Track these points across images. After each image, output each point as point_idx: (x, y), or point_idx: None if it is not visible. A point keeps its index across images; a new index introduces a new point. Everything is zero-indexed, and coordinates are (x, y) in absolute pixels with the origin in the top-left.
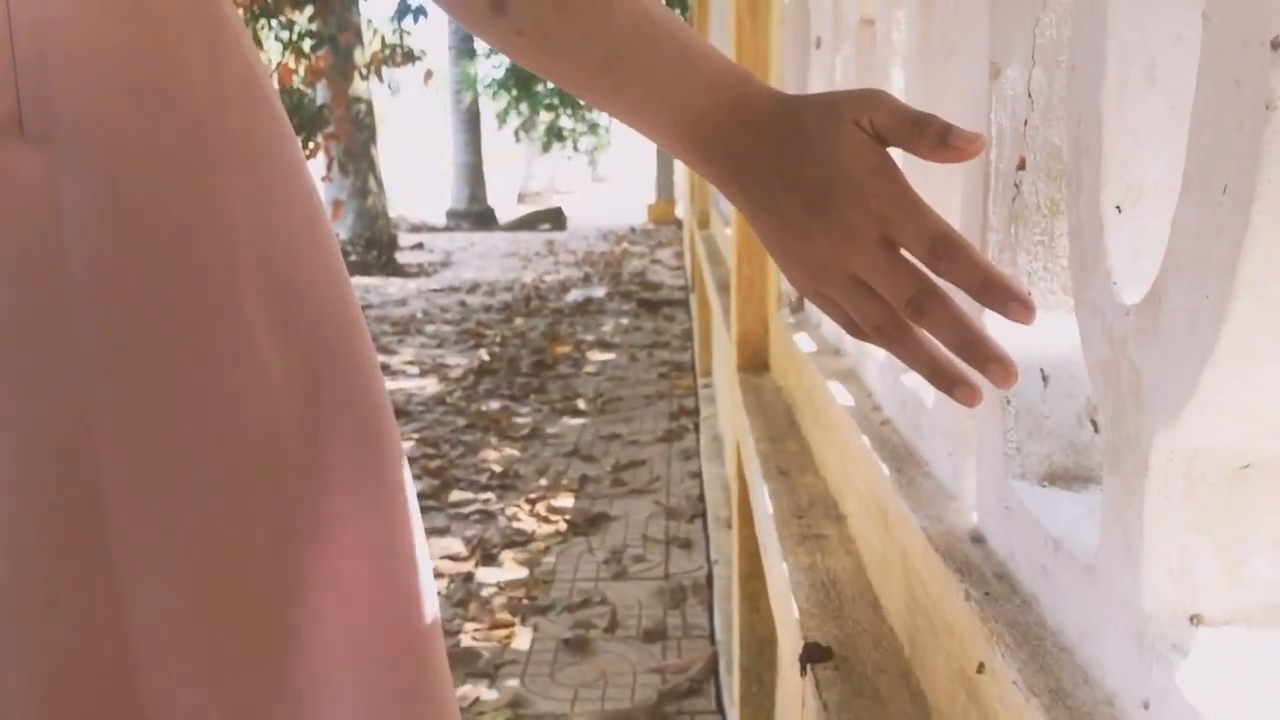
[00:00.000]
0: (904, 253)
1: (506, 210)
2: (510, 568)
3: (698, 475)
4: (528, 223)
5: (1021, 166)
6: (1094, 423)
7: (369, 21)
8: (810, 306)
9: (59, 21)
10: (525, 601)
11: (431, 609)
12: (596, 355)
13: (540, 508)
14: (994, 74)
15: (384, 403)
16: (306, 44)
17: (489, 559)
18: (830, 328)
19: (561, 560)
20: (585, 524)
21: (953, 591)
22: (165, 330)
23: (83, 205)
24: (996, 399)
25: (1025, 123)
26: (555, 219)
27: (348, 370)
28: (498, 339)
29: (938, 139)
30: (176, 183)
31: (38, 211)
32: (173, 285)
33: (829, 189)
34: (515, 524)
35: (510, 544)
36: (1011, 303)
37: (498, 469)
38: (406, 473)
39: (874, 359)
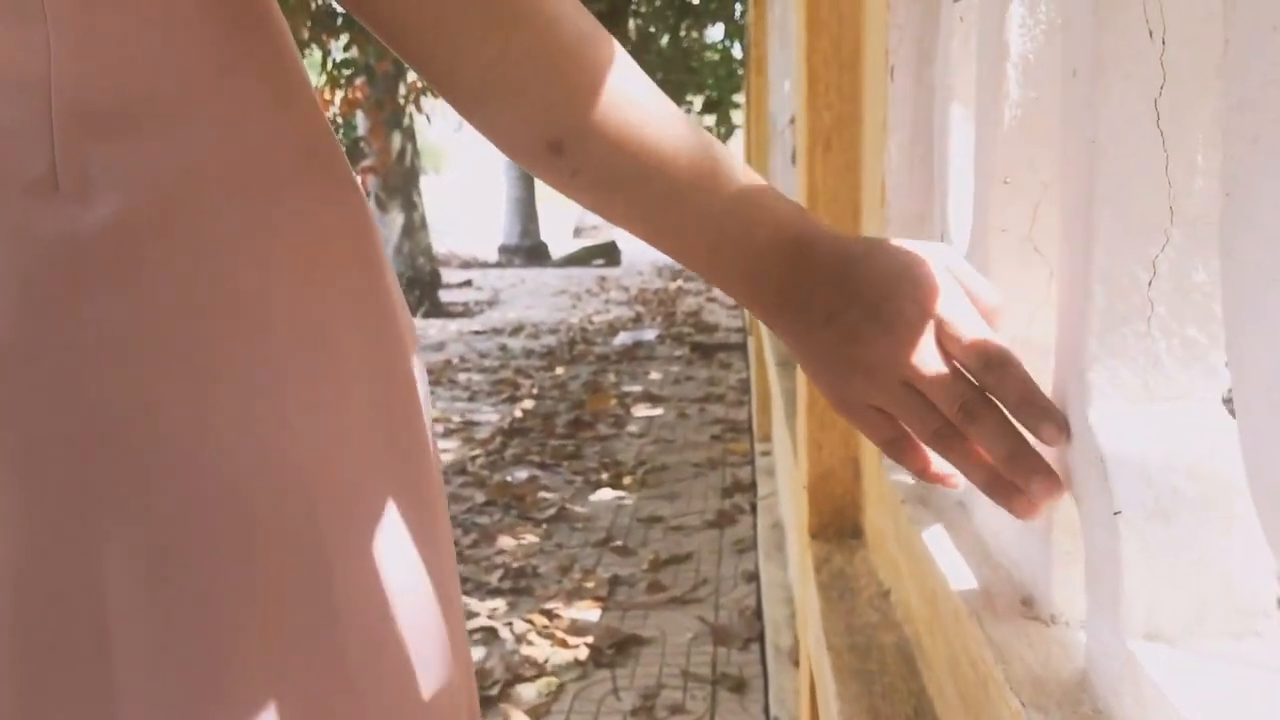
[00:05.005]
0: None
1: (562, 245)
2: (512, 718)
3: (754, 578)
4: (580, 258)
5: None
6: None
7: None
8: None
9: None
10: None
11: None
12: (642, 410)
13: (557, 626)
14: None
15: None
16: (343, 74)
17: (486, 703)
18: (987, 518)
19: (577, 706)
20: (611, 650)
21: None
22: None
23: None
24: None
25: None
26: (609, 254)
27: None
28: (534, 390)
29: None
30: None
31: (61, 271)
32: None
33: (889, 294)
34: (525, 648)
35: (516, 678)
36: (1045, 423)
37: (514, 564)
38: None
39: (1107, 628)
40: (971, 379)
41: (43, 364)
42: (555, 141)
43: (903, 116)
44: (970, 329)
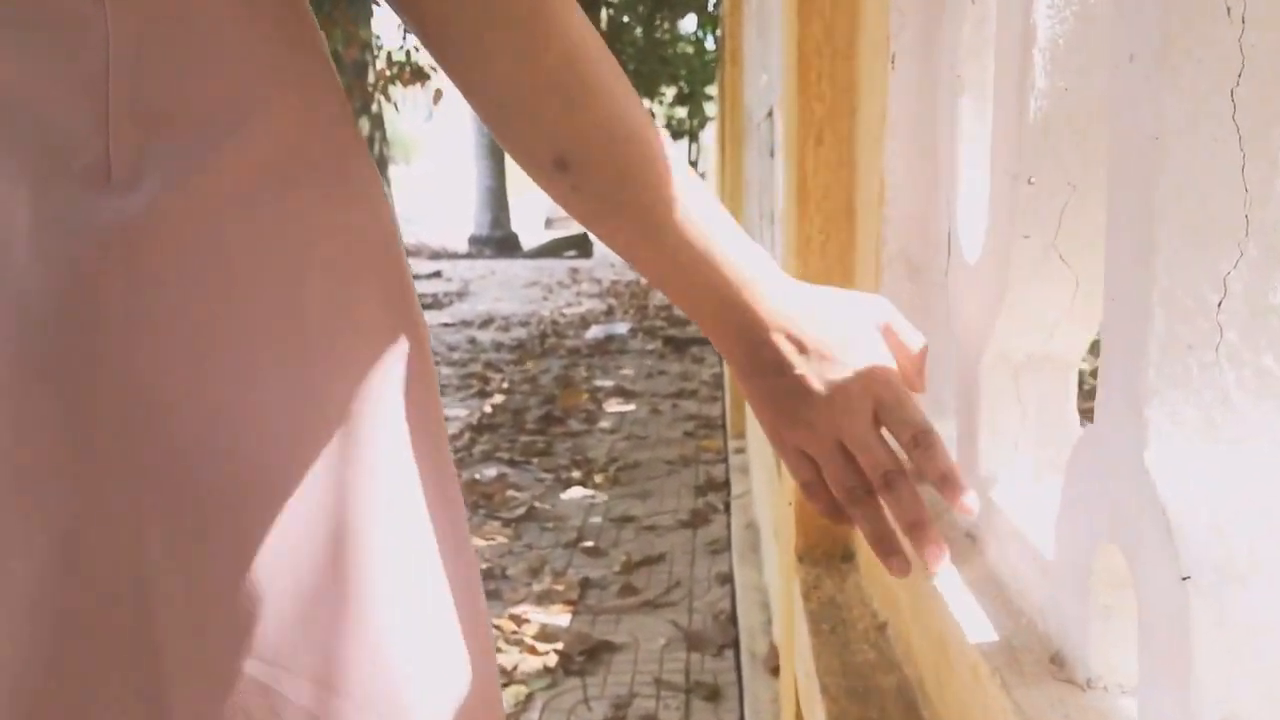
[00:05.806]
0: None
1: (533, 236)
2: None
3: (728, 580)
4: (552, 250)
5: None
6: None
7: (377, 37)
8: None
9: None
10: None
11: None
12: (614, 406)
13: (526, 631)
14: None
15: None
16: None
17: None
18: (1004, 556)
19: (547, 717)
20: (582, 657)
21: None
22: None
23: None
24: None
25: None
26: (580, 245)
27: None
28: (505, 384)
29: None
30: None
31: (110, 255)
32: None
33: (837, 360)
34: None
35: None
36: (963, 498)
37: (481, 565)
38: None
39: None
40: (894, 450)
41: (90, 343)
42: (561, 159)
43: (904, 109)
44: (904, 406)
